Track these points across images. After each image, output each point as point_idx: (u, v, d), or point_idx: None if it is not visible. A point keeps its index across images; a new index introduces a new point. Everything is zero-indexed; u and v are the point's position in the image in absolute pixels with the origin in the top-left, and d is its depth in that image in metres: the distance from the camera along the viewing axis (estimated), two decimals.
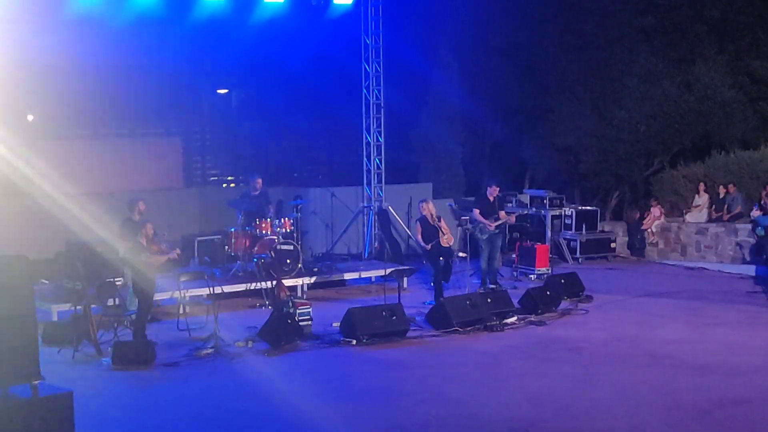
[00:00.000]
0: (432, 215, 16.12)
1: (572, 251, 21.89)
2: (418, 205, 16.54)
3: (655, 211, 22.42)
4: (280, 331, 13.53)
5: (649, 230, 22.45)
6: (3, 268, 8.74)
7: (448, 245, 16.32)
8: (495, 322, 14.69)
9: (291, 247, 17.18)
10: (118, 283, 14.78)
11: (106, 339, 13.46)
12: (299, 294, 16.92)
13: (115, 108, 21.06)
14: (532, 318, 15.30)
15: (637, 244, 22.62)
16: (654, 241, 22.39)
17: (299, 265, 17.23)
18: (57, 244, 16.79)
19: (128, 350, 12.68)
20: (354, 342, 13.66)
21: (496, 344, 13.77)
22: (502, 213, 17.63)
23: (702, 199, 22.46)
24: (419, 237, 16.17)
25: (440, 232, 16.02)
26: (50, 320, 14.40)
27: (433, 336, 14.24)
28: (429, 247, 15.94)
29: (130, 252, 13.81)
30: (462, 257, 17.32)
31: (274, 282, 15.44)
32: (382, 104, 20.96)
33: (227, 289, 15.87)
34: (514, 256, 19.91)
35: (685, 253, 21.88)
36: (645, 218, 22.59)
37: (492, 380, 11.91)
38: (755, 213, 17.44)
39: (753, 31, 25.44)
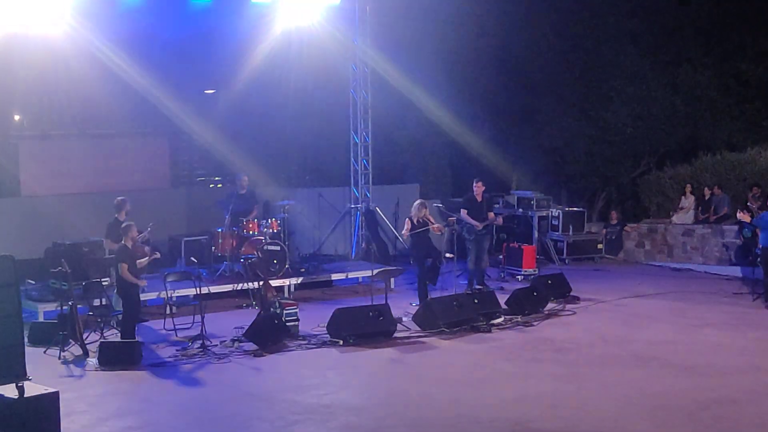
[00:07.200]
0: (422, 219, 16.06)
1: (559, 252, 21.94)
2: (415, 206, 16.37)
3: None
4: (267, 331, 13.54)
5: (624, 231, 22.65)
6: None
7: (439, 233, 16.41)
8: (482, 323, 14.71)
9: (278, 248, 17.17)
10: (104, 283, 14.77)
11: (92, 339, 13.44)
12: (286, 294, 16.91)
13: (101, 108, 20.98)
14: (519, 319, 15.32)
15: (613, 244, 22.66)
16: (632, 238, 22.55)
17: (286, 266, 17.22)
18: (44, 244, 16.74)
19: (115, 350, 12.67)
20: (341, 342, 13.68)
21: (482, 345, 13.79)
22: (491, 214, 17.64)
23: (688, 200, 22.51)
24: (406, 231, 16.11)
25: (429, 222, 16.03)
26: (37, 320, 14.37)
27: (420, 336, 14.25)
28: (414, 231, 15.87)
29: (116, 254, 13.78)
30: (449, 258, 17.33)
31: (261, 282, 15.43)
32: (369, 105, 20.96)
33: (214, 289, 15.87)
34: (501, 257, 19.93)
35: (672, 255, 21.93)
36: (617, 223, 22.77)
37: (479, 381, 11.93)
38: (742, 216, 17.38)
39: (739, 33, 25.51)
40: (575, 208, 23.28)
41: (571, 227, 22.09)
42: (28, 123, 21.16)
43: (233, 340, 13.59)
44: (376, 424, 10.24)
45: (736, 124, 25.33)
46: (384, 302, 14.64)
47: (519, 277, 19.17)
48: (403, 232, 16.30)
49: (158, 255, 14.67)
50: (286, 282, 17.21)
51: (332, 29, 20.30)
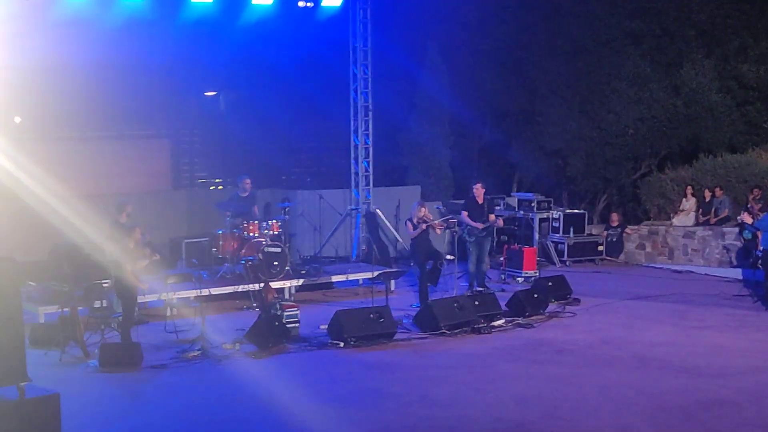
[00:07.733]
0: (421, 219, 16.07)
1: (560, 254, 21.93)
2: (413, 206, 16.41)
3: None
4: (268, 333, 13.53)
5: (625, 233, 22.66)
6: None
7: (440, 230, 16.41)
8: (482, 325, 14.72)
9: (279, 250, 17.16)
10: (105, 285, 14.75)
11: (93, 341, 13.43)
12: (287, 296, 16.89)
13: (103, 110, 20.98)
14: (520, 320, 15.31)
15: (614, 246, 22.64)
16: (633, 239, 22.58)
17: (287, 268, 17.22)
18: (45, 246, 16.72)
19: (115, 352, 12.67)
20: (341, 344, 13.67)
21: (483, 346, 13.79)
22: (491, 216, 17.60)
23: (689, 202, 22.50)
24: (411, 231, 16.12)
25: (428, 221, 16.03)
26: (37, 322, 14.35)
27: (421, 338, 14.25)
28: (419, 231, 15.90)
29: (116, 255, 13.78)
30: (450, 260, 17.33)
31: (262, 284, 15.42)
32: (370, 107, 20.95)
33: (215, 291, 15.83)
34: (501, 258, 19.92)
35: (672, 257, 21.92)
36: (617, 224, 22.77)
37: (479, 382, 11.92)
38: (745, 217, 17.34)
39: (740, 35, 25.46)
40: (576, 210, 23.30)
41: (571, 229, 22.09)
42: (29, 125, 21.16)
43: (234, 342, 13.58)
44: (376, 426, 10.24)
45: (737, 126, 25.29)
46: (385, 304, 14.65)
47: (520, 278, 19.16)
48: (412, 234, 16.22)
49: (158, 257, 14.66)
50: (287, 284, 17.18)
51: (333, 31, 20.33)
